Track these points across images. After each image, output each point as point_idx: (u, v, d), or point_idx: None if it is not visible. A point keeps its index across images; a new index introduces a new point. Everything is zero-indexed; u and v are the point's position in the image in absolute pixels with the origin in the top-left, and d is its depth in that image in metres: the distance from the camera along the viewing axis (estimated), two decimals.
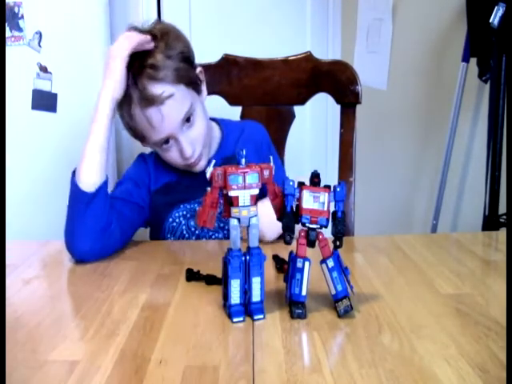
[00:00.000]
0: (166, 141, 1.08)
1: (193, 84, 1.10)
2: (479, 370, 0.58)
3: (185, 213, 1.13)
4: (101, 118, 1.01)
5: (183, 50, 1.08)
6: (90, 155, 1.00)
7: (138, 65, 1.03)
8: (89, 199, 0.97)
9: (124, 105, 1.05)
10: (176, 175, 1.16)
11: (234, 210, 0.70)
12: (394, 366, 0.59)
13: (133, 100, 1.04)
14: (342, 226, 0.71)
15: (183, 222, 1.13)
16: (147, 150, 1.23)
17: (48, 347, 0.65)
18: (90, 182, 0.98)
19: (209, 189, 0.71)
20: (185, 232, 1.13)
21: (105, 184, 1.00)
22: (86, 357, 0.62)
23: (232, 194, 0.69)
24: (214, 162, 0.72)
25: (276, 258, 0.91)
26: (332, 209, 0.71)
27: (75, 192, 0.98)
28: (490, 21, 1.80)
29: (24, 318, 0.74)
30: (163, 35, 1.07)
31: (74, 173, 1.00)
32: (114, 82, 1.01)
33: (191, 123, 1.08)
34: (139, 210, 1.12)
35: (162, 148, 1.11)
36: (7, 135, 1.52)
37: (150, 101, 1.03)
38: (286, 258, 0.74)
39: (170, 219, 1.13)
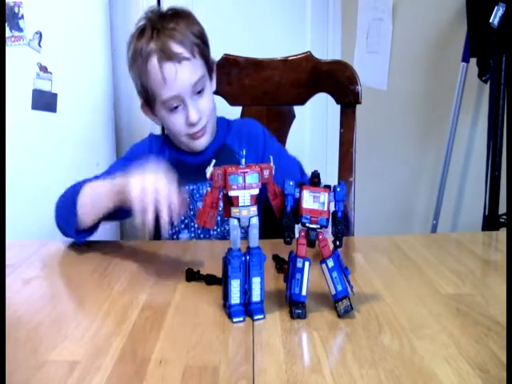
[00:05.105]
0: (176, 107, 1.11)
1: (207, 64, 1.14)
2: (479, 370, 0.58)
3: None
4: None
5: (203, 32, 1.15)
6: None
7: (161, 26, 1.09)
8: None
9: (140, 61, 1.09)
10: (175, 158, 1.18)
11: (234, 210, 0.70)
12: (394, 365, 0.59)
13: (151, 54, 1.07)
14: (341, 225, 0.71)
15: None
16: (145, 134, 1.25)
17: (48, 347, 0.65)
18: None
19: (209, 189, 0.71)
20: None
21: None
22: (85, 357, 0.62)
23: (232, 193, 0.69)
24: (213, 161, 0.72)
25: (276, 257, 0.91)
26: (332, 209, 0.71)
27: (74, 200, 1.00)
28: (490, 21, 1.80)
29: (24, 317, 0.74)
30: (186, 14, 1.14)
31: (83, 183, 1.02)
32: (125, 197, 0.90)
33: (201, 95, 1.12)
34: None
35: (169, 111, 1.12)
36: (7, 135, 1.52)
37: (169, 56, 1.07)
38: (286, 258, 0.74)
39: None
